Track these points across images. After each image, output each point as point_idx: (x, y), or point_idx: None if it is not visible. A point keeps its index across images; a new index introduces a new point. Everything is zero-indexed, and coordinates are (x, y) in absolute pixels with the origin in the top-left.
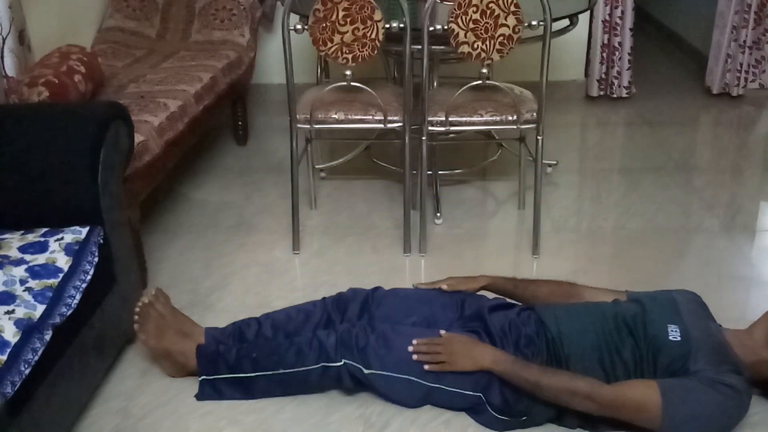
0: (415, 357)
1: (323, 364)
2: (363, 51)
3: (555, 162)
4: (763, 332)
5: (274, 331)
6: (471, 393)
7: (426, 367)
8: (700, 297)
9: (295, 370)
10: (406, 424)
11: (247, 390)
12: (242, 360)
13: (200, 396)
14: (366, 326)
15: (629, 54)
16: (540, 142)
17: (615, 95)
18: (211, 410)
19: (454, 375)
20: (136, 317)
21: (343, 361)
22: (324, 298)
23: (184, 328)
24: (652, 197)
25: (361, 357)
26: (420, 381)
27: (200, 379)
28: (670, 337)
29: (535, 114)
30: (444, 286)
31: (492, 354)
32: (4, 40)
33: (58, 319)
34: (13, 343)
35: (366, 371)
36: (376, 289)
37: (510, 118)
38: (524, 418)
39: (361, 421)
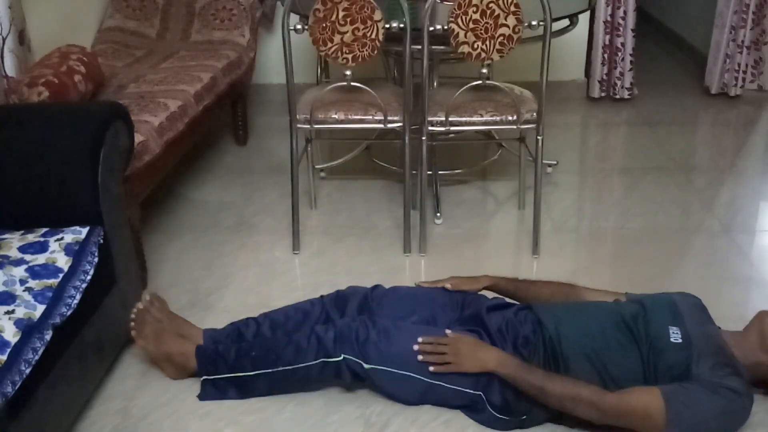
0: (420, 357)
1: (322, 359)
2: (363, 51)
3: (555, 162)
4: (756, 335)
5: (272, 330)
6: (471, 391)
7: (431, 368)
8: (700, 300)
9: (294, 366)
10: (406, 424)
11: (248, 389)
12: (242, 359)
13: (203, 396)
14: (366, 321)
15: (631, 55)
16: (540, 142)
17: (617, 96)
18: (211, 410)
19: (456, 373)
20: (133, 324)
21: (342, 356)
22: (322, 296)
23: (182, 331)
24: (652, 197)
25: (361, 351)
26: (420, 377)
27: (202, 379)
28: (671, 339)
29: (535, 114)
30: (447, 285)
31: (497, 357)
32: (4, 40)
33: (58, 319)
34: (13, 343)
35: (366, 366)
36: (376, 287)
37: (510, 118)
38: (524, 417)
39: (361, 421)
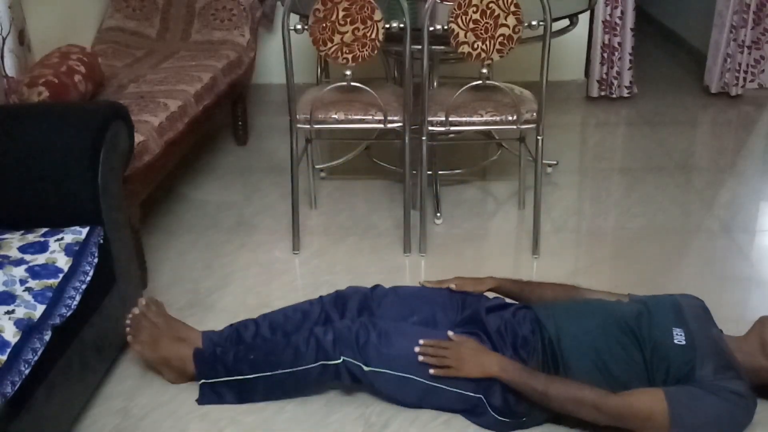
0: (421, 358)
1: (322, 362)
2: (363, 51)
3: (555, 162)
4: (757, 340)
5: (272, 331)
6: (472, 394)
7: (432, 371)
8: (703, 302)
9: (294, 369)
10: (406, 424)
11: (246, 393)
12: (240, 362)
13: (201, 400)
14: (367, 322)
15: (630, 54)
16: (540, 142)
17: (615, 95)
18: (211, 410)
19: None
20: (128, 329)
21: (342, 358)
22: (321, 297)
23: (179, 334)
24: (652, 197)
25: (361, 353)
26: (420, 380)
27: (200, 383)
28: (675, 341)
29: (535, 114)
30: (452, 286)
31: (499, 362)
32: (4, 40)
33: (58, 320)
34: (13, 343)
35: (366, 368)
36: (376, 287)
37: (510, 118)
38: (524, 419)
39: (361, 421)
